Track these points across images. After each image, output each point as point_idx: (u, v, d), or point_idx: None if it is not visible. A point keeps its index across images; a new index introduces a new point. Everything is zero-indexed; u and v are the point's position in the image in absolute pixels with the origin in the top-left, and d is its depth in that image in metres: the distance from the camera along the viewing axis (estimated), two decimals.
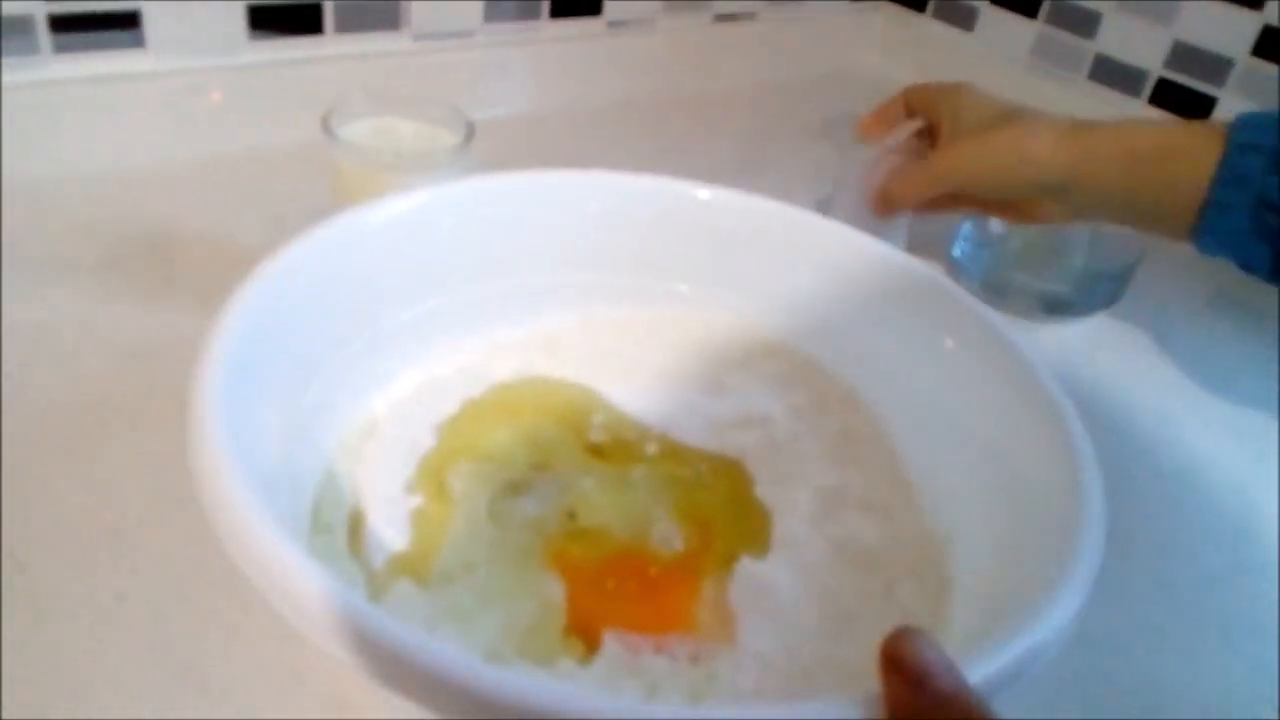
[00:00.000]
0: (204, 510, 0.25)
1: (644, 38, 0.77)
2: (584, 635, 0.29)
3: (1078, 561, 0.26)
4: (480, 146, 0.70)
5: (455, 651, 0.21)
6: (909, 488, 0.36)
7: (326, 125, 0.45)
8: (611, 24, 0.75)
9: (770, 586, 0.32)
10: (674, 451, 0.38)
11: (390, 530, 0.33)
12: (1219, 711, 0.35)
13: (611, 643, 0.29)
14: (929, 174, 0.50)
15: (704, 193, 0.40)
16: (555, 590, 0.31)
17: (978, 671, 0.22)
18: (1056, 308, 0.57)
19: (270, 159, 0.61)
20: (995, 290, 0.57)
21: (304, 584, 0.22)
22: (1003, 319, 0.36)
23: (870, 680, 0.30)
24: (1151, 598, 0.40)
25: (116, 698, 0.30)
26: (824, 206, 0.60)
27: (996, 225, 0.60)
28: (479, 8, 0.68)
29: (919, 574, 0.33)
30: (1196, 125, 0.46)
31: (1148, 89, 0.74)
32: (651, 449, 0.38)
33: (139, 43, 0.57)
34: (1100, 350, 0.56)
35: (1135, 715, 0.35)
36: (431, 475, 0.35)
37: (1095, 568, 0.26)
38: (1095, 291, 0.57)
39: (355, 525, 0.33)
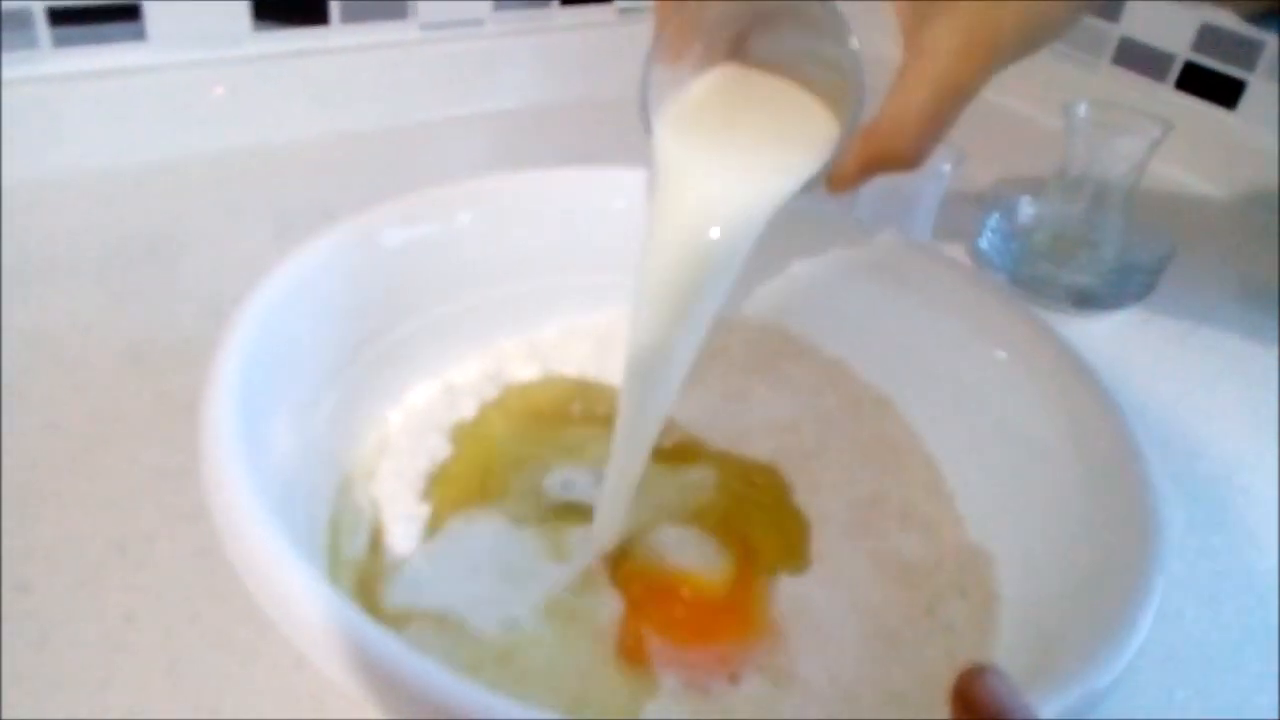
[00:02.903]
0: (218, 532, 0.24)
1: None
2: (634, 660, 0.28)
3: (1146, 586, 0.24)
4: (490, 139, 0.69)
5: (486, 693, 0.20)
6: (950, 499, 0.34)
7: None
8: (623, 10, 0.73)
9: (810, 604, 0.31)
10: (706, 455, 0.36)
11: (410, 546, 0.31)
12: (1219, 710, 0.34)
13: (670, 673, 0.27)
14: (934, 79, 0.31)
15: None
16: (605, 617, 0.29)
17: (1051, 708, 0.21)
18: (1086, 301, 0.55)
19: (276, 154, 0.60)
20: (1023, 283, 0.55)
21: (320, 616, 0.21)
22: (1051, 321, 0.34)
23: (915, 701, 0.29)
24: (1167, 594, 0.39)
25: None
26: (844, 198, 0.58)
27: (1025, 217, 0.58)
28: None
29: (964, 590, 0.31)
30: None
31: (1174, 73, 0.72)
32: (683, 451, 0.36)
33: (140, 35, 0.55)
34: (1131, 344, 0.54)
35: (1135, 714, 0.33)
36: (449, 485, 0.34)
37: (1161, 592, 0.25)
38: (1127, 284, 0.55)
39: (375, 540, 0.32)
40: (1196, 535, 0.42)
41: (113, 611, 0.32)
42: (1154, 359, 0.53)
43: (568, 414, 0.38)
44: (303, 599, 0.21)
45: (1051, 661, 0.24)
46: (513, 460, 0.35)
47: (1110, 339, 0.54)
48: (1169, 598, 0.39)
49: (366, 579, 0.30)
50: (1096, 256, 0.56)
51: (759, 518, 0.33)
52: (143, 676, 0.30)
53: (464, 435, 0.36)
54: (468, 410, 0.37)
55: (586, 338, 0.39)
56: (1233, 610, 0.39)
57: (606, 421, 0.36)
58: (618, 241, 0.39)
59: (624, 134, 0.70)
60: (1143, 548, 0.26)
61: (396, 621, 0.29)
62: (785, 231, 0.39)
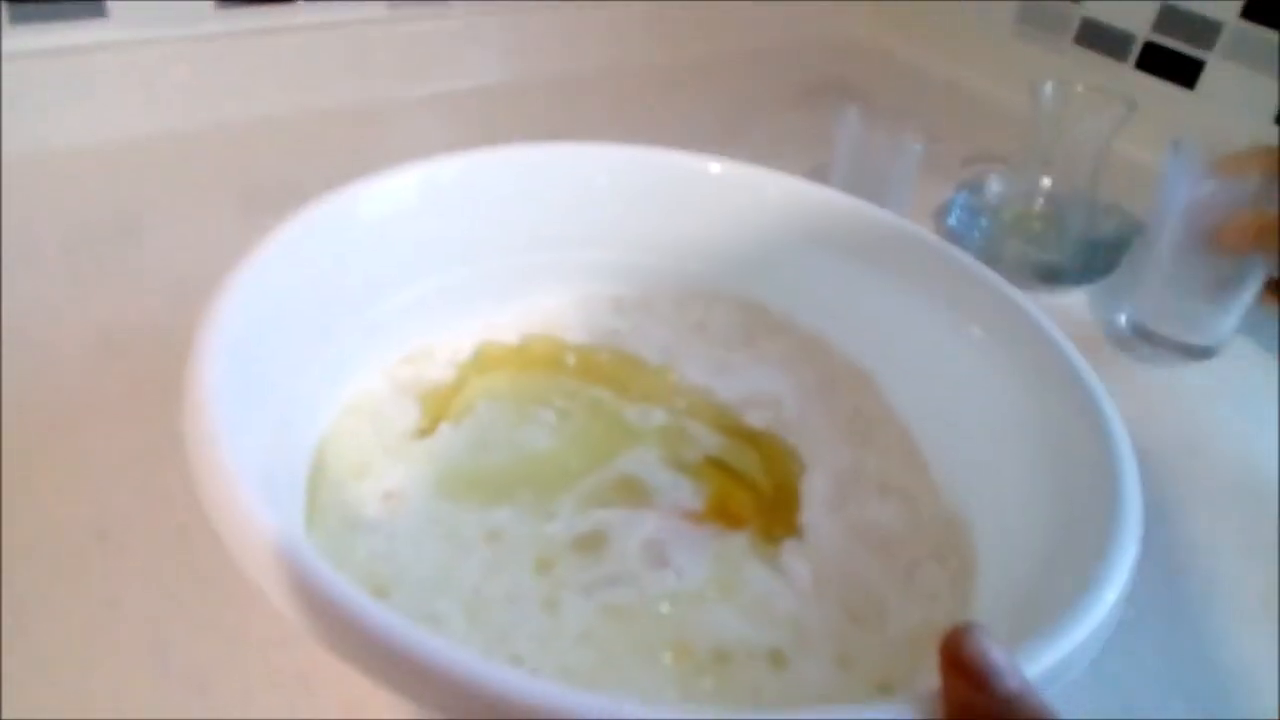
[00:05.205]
0: (205, 511, 0.23)
1: (625, 3, 0.75)
2: None
3: (1118, 550, 0.25)
4: (460, 118, 0.68)
5: (465, 652, 0.20)
6: (927, 470, 0.35)
7: None
8: None
9: (791, 573, 0.31)
10: (706, 411, 0.36)
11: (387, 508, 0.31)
12: (1219, 710, 0.35)
13: None
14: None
15: (715, 166, 0.38)
16: None
17: (1033, 668, 0.21)
18: (1053, 277, 0.56)
19: (242, 133, 0.59)
20: (991, 259, 0.55)
21: (307, 582, 0.21)
22: (1027, 297, 0.35)
23: (897, 667, 0.29)
24: (1151, 577, 0.40)
25: (114, 710, 0.29)
26: (816, 177, 0.59)
27: (992, 195, 0.59)
28: None
29: (941, 557, 0.32)
30: None
31: (1135, 53, 0.73)
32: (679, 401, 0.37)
33: (100, 12, 0.54)
34: (1097, 319, 0.56)
35: (1135, 713, 0.34)
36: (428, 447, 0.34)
37: (1136, 556, 0.25)
38: (1092, 261, 0.56)
39: (351, 511, 0.32)
40: (1156, 505, 0.43)
41: (95, 597, 0.32)
42: (1118, 333, 0.55)
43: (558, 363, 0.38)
44: (282, 562, 0.21)
45: (1028, 624, 0.25)
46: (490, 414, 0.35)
47: (1076, 314, 0.55)
48: (1171, 561, 0.39)
49: (346, 543, 0.30)
50: (1062, 233, 0.57)
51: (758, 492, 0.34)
52: (128, 660, 0.30)
53: (440, 398, 0.36)
54: (445, 376, 0.37)
55: (566, 315, 0.39)
56: (1189, 574, 0.40)
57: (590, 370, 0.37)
58: (601, 218, 0.39)
59: (595, 111, 0.70)
60: (1111, 513, 0.26)
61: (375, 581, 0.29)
62: (762, 209, 0.39)
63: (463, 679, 0.19)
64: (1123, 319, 0.53)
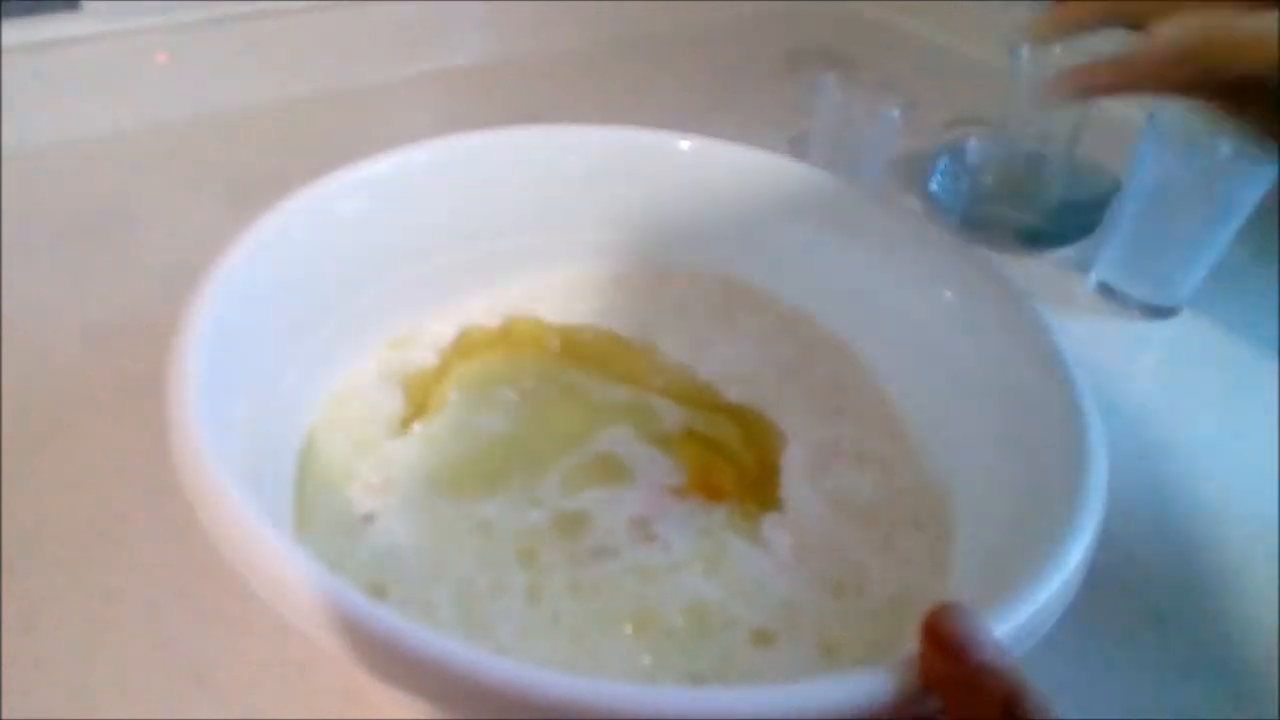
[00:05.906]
0: (190, 501, 0.24)
1: None
2: None
3: (1083, 511, 0.26)
4: (443, 99, 0.68)
5: (458, 645, 0.20)
6: (904, 438, 0.35)
7: None
8: None
9: (773, 546, 0.32)
10: (687, 387, 0.37)
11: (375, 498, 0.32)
12: (1221, 709, 0.35)
13: None
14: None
15: (685, 144, 0.39)
16: None
17: (1002, 627, 0.22)
18: (1034, 239, 0.56)
19: (224, 121, 0.59)
20: (973, 224, 0.56)
21: (304, 586, 0.22)
22: (997, 262, 0.35)
23: (879, 638, 0.30)
24: (1133, 541, 0.40)
25: (115, 701, 0.29)
26: (797, 145, 0.59)
27: (973, 158, 0.59)
28: None
29: (919, 524, 0.33)
30: None
31: None
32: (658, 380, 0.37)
33: (73, 5, 0.54)
34: (1076, 279, 0.56)
35: (1121, 681, 0.35)
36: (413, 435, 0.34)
37: (1100, 517, 0.26)
38: (1072, 222, 0.57)
39: (342, 510, 0.32)
40: (1129, 476, 0.43)
41: (94, 591, 0.32)
42: (1098, 294, 0.55)
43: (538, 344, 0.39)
44: (273, 561, 0.22)
45: (1000, 585, 0.26)
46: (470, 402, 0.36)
47: (1055, 275, 0.56)
48: (1165, 513, 0.40)
49: (334, 536, 0.30)
50: (1043, 196, 0.58)
51: (740, 466, 0.35)
52: (129, 651, 0.31)
53: (423, 384, 0.36)
54: (428, 361, 0.37)
55: (546, 297, 0.40)
56: (1176, 554, 0.40)
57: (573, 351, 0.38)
58: (579, 199, 0.39)
59: (577, 87, 0.70)
60: (1077, 476, 0.27)
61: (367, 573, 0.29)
62: (735, 185, 0.39)
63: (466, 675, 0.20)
64: (1092, 279, 0.54)
